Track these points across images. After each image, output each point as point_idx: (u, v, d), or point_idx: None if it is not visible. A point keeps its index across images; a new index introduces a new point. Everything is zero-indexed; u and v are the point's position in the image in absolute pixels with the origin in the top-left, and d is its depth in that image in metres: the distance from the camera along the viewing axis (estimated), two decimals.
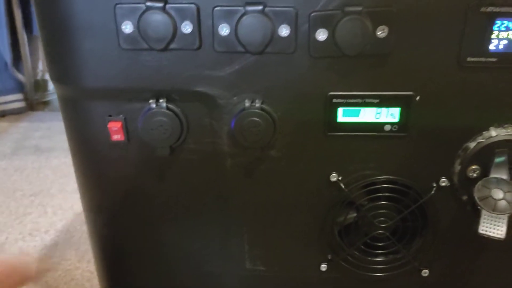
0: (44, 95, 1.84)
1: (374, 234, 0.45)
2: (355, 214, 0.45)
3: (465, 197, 0.42)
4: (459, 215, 0.43)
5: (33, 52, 1.75)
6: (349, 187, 0.43)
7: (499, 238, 0.34)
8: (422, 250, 0.46)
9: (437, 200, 0.43)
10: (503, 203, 0.34)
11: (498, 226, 0.34)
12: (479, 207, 0.35)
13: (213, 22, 0.37)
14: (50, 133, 1.70)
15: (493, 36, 0.36)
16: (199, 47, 0.38)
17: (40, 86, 1.82)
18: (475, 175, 0.40)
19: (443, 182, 0.42)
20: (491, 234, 0.35)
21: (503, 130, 0.39)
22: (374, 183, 0.43)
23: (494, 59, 0.37)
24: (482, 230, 0.35)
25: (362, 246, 0.46)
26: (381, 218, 0.44)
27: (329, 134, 0.41)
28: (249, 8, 0.36)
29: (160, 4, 0.36)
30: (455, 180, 0.42)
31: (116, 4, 0.36)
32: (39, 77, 1.80)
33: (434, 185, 0.42)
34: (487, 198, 0.34)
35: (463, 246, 0.45)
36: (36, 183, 1.35)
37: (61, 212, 1.20)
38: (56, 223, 1.15)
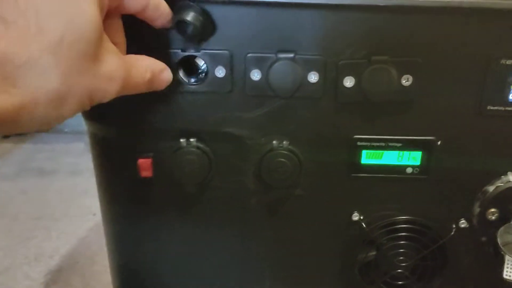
0: None
1: (394, 273, 0.46)
2: (375, 253, 0.46)
3: (484, 239, 0.43)
4: (478, 256, 0.44)
5: None
6: (370, 226, 0.44)
7: None
8: None
9: (456, 241, 0.44)
10: None
11: None
12: (502, 252, 0.36)
13: (245, 68, 0.39)
14: (54, 155, 1.70)
15: None
16: (231, 91, 0.39)
17: None
18: (493, 218, 0.42)
19: (463, 223, 0.43)
20: None
21: None
22: (395, 223, 0.44)
23: None
24: (506, 275, 0.36)
25: (382, 285, 0.47)
26: (401, 257, 0.45)
27: (352, 175, 0.43)
28: (281, 55, 0.38)
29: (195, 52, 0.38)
30: (474, 222, 0.43)
31: None
32: None
33: (454, 226, 0.44)
34: (509, 243, 0.36)
35: (482, 286, 0.46)
36: (39, 206, 1.35)
37: (65, 236, 1.19)
38: (60, 248, 1.14)
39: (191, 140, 0.41)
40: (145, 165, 0.42)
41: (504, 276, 0.36)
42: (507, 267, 0.36)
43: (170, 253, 0.47)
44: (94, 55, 0.29)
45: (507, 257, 0.36)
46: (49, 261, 1.09)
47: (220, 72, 0.39)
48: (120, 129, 0.43)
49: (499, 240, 0.36)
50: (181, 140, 0.41)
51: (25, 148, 1.76)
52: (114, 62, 0.31)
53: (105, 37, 0.31)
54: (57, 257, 1.11)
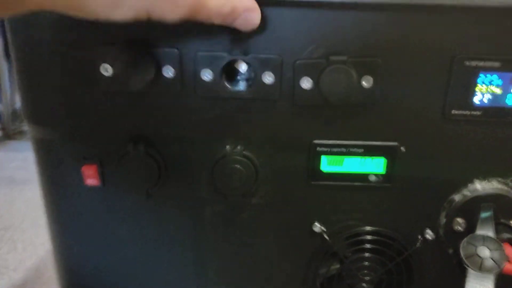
0: (22, 124, 1.79)
1: (358, 287, 0.43)
2: (338, 266, 0.43)
3: (450, 251, 0.41)
4: (445, 268, 0.42)
5: (12, 81, 1.72)
6: (333, 237, 0.42)
7: None
8: None
9: (422, 252, 0.42)
10: (489, 261, 0.33)
11: (485, 285, 0.33)
12: (465, 265, 0.34)
13: (194, 67, 0.36)
14: (26, 164, 1.64)
15: (477, 89, 0.36)
16: (180, 91, 0.37)
17: (18, 115, 1.78)
18: (460, 228, 0.39)
19: (429, 234, 0.41)
20: None
21: (488, 183, 0.39)
22: (358, 234, 0.42)
23: (478, 113, 0.37)
24: None
25: None
26: (365, 271, 0.43)
27: (312, 183, 0.40)
28: (234, 55, 0.35)
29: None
30: (441, 232, 0.41)
31: None
32: (17, 106, 1.76)
33: (420, 237, 0.41)
34: (473, 256, 0.33)
35: None
36: (7, 216, 1.30)
37: (32, 248, 1.14)
38: (25, 260, 1.09)
39: (139, 145, 0.38)
40: (89, 172, 0.39)
41: None
42: (470, 281, 0.34)
43: (119, 267, 0.44)
44: None
45: (469, 271, 0.34)
46: (13, 274, 1.04)
47: (169, 72, 0.36)
48: (65, 133, 0.40)
49: (462, 252, 0.34)
50: (128, 145, 0.38)
51: None
52: None
53: None
54: (22, 270, 1.06)
